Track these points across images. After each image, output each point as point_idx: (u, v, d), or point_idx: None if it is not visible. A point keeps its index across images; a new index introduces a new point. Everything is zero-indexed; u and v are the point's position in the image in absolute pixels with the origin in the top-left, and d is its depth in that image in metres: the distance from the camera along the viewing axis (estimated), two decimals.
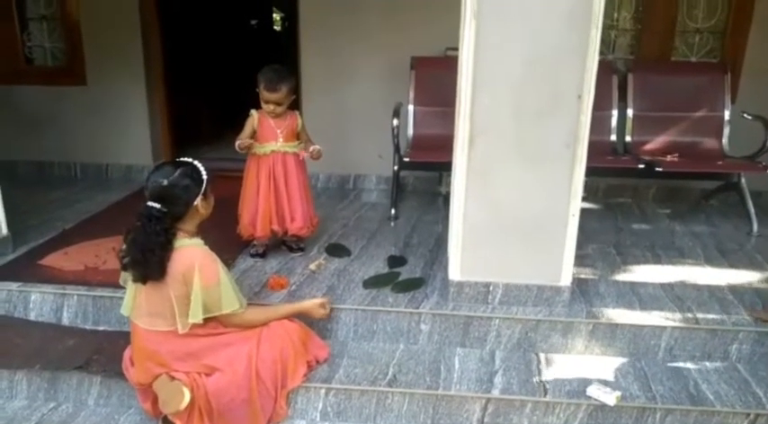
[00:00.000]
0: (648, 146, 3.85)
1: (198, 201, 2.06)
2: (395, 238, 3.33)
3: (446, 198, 4.11)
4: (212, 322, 2.11)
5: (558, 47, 2.27)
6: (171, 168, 2.07)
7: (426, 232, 3.44)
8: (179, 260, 2.02)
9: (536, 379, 2.30)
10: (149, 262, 1.98)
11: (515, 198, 2.43)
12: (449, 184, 4.19)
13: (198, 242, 2.10)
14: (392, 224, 3.61)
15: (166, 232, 2.00)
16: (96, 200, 3.89)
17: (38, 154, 4.49)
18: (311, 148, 2.89)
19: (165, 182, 2.02)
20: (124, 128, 4.43)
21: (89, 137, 4.46)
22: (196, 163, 2.13)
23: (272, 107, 2.80)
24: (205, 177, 2.12)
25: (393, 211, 3.68)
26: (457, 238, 2.48)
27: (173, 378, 2.08)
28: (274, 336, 2.20)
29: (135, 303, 2.11)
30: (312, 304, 2.41)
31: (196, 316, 2.02)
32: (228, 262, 2.92)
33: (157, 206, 2.00)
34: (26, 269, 2.82)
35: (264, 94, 2.77)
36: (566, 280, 2.50)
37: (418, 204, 3.99)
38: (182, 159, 2.15)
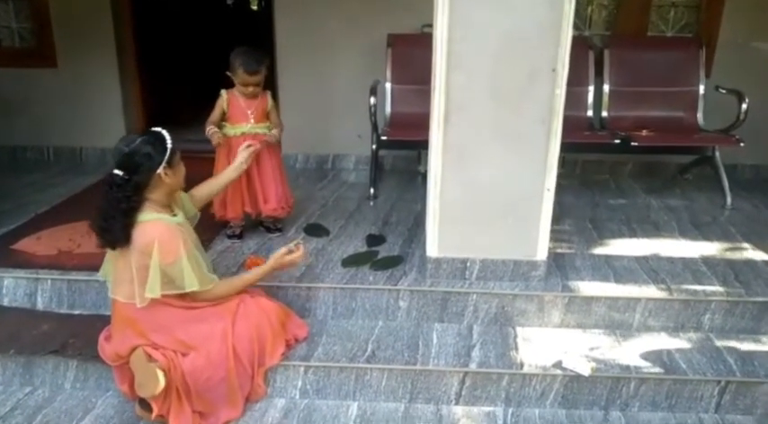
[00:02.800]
0: (624, 122, 3.87)
1: (161, 170, 2.03)
2: (374, 217, 3.33)
3: (425, 177, 4.07)
4: (185, 296, 2.11)
5: (533, 22, 2.26)
6: (135, 136, 2.06)
7: (405, 210, 3.44)
8: (141, 234, 2.01)
9: (513, 352, 2.33)
10: (112, 229, 1.99)
11: (491, 174, 2.43)
12: (427, 163, 4.20)
13: (164, 216, 2.08)
14: (371, 203, 3.60)
15: (128, 199, 1.98)
16: (70, 184, 3.83)
17: (9, 139, 4.38)
18: (269, 135, 2.85)
19: (127, 149, 2.00)
20: (98, 111, 4.34)
21: (62, 121, 4.36)
22: (162, 131, 2.09)
23: (251, 89, 2.77)
24: (170, 146, 2.06)
25: (372, 190, 3.67)
26: (434, 215, 2.48)
27: (150, 357, 2.07)
28: (250, 314, 2.20)
29: (112, 268, 2.11)
30: (275, 259, 2.30)
31: (153, 291, 2.01)
32: (205, 244, 2.89)
33: (120, 173, 1.98)
34: None
35: (243, 77, 2.73)
36: (541, 255, 2.52)
37: (397, 183, 3.98)
38: (151, 129, 2.12)
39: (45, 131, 4.39)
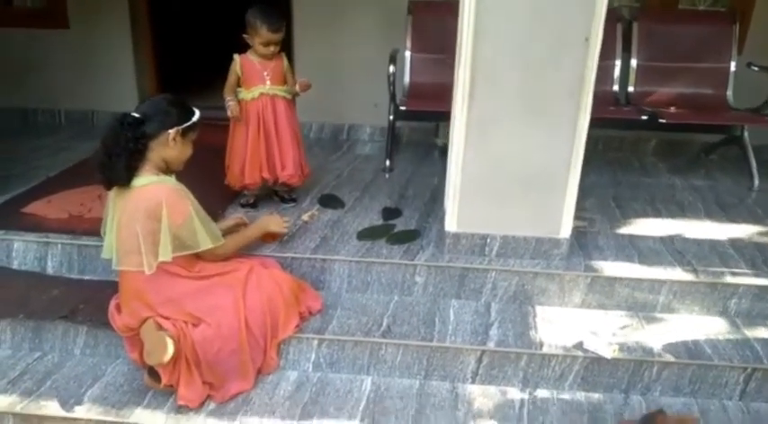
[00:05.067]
0: (651, 97, 3.74)
1: (172, 132, 2.00)
2: (389, 190, 3.25)
3: (442, 150, 4.00)
4: (193, 262, 2.07)
5: None
6: (169, 95, 2.12)
7: (422, 184, 3.35)
8: (146, 198, 1.96)
9: (532, 332, 2.27)
10: (115, 167, 1.95)
11: (516, 149, 2.34)
12: (446, 135, 4.08)
13: (165, 178, 2.04)
14: (387, 175, 3.52)
15: (136, 141, 1.95)
16: (82, 149, 3.75)
17: (20, 101, 4.31)
18: (299, 81, 2.77)
19: (151, 100, 2.09)
20: (110, 74, 4.25)
21: (74, 84, 4.28)
22: (195, 109, 2.11)
23: (272, 48, 2.68)
24: (194, 119, 2.08)
25: (388, 162, 3.58)
26: (454, 189, 2.40)
27: (160, 327, 2.02)
28: (262, 285, 2.14)
29: (114, 243, 2.05)
30: (266, 218, 2.44)
31: (165, 254, 1.97)
32: (218, 213, 2.83)
33: (136, 115, 1.97)
34: (8, 217, 2.72)
35: (267, 36, 2.64)
36: (565, 233, 2.44)
37: (414, 156, 3.89)
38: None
39: (57, 94, 4.31)
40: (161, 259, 1.98)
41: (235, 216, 2.58)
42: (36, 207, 2.81)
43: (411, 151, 3.99)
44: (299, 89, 2.77)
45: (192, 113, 2.09)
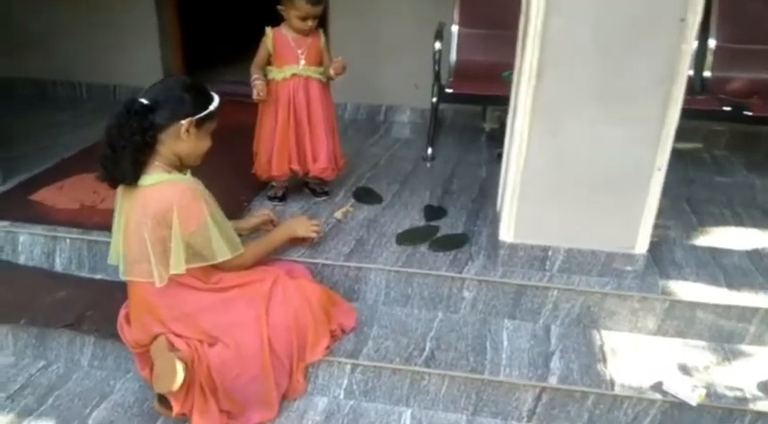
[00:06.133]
0: (730, 85, 3.30)
1: (185, 123, 1.70)
2: (432, 183, 2.92)
3: (490, 136, 3.65)
4: (210, 272, 1.80)
5: None
6: (186, 78, 1.88)
7: (468, 176, 3.02)
8: (154, 200, 1.69)
9: (600, 365, 1.95)
10: (119, 162, 1.67)
11: (589, 145, 1.98)
12: (493, 120, 3.72)
13: (178, 176, 1.75)
14: (428, 165, 3.19)
15: (144, 132, 1.67)
16: (102, 126, 3.43)
17: (38, 72, 4.06)
18: (333, 62, 2.43)
19: (164, 82, 1.82)
20: (133, 46, 3.96)
21: (95, 55, 4.00)
22: (214, 94, 1.81)
23: (309, 23, 2.35)
24: (212, 108, 1.77)
25: (429, 150, 3.25)
26: (512, 192, 2.06)
27: (172, 346, 1.77)
28: (288, 299, 1.86)
29: (121, 249, 1.79)
30: (292, 222, 2.17)
31: (178, 266, 1.71)
32: (244, 205, 2.56)
33: (145, 101, 1.68)
34: (15, 205, 2.49)
35: (305, 8, 2.31)
36: (641, 247, 2.09)
37: (458, 142, 3.54)
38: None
39: (77, 65, 4.05)
40: (173, 271, 1.71)
41: (262, 212, 2.30)
42: (46, 195, 2.56)
43: (455, 136, 3.64)
44: (333, 72, 2.41)
45: (210, 100, 1.78)
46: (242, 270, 1.87)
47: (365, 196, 2.71)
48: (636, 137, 1.95)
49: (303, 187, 2.70)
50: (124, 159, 1.67)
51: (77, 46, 3.98)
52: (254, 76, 2.41)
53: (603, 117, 1.95)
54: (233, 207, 2.49)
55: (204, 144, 1.80)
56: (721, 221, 2.64)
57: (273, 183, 2.62)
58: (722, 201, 2.84)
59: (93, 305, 2.09)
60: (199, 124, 1.74)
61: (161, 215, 1.68)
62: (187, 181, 1.76)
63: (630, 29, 1.86)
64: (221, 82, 4.40)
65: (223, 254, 1.75)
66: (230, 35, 5.18)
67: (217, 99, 1.80)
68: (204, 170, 1.86)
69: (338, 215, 2.50)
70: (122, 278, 1.80)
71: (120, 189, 1.78)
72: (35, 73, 4.06)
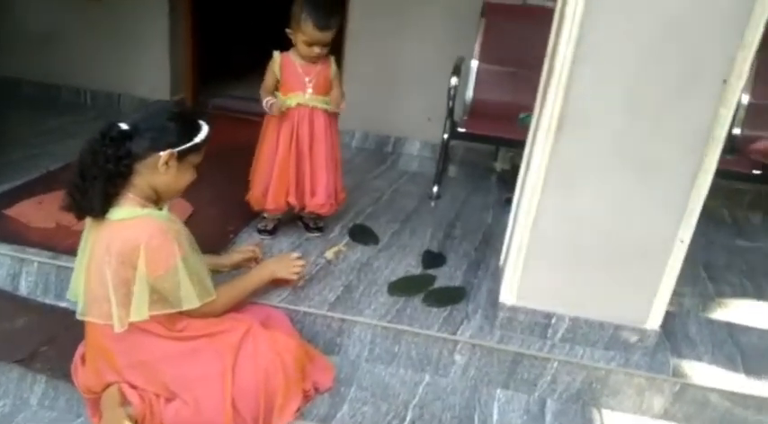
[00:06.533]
0: (759, 143, 3.11)
1: (164, 154, 1.54)
2: (434, 224, 2.74)
3: (501, 177, 3.49)
4: (177, 318, 1.63)
5: (704, 7, 1.59)
6: (171, 103, 1.74)
7: (473, 220, 2.84)
8: (120, 236, 1.52)
9: None
10: (88, 191, 1.52)
11: (605, 211, 1.81)
12: (506, 161, 3.56)
13: (151, 213, 1.58)
14: (433, 204, 3.02)
15: (118, 161, 1.51)
16: None
17: (44, 76, 3.97)
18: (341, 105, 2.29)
19: (150, 108, 1.67)
20: (141, 54, 3.86)
21: (102, 61, 3.90)
22: (203, 123, 1.66)
23: (317, 50, 2.20)
24: (198, 140, 1.61)
25: (436, 188, 3.08)
26: (518, 252, 1.89)
27: (124, 398, 1.59)
28: (259, 353, 1.67)
29: (84, 284, 1.62)
30: (272, 262, 1.99)
31: (139, 312, 1.54)
32: (229, 237, 2.40)
33: (123, 126, 1.52)
34: None
35: (312, 34, 2.15)
36: (653, 323, 1.90)
37: (466, 180, 3.37)
38: (195, 113, 1.71)
39: (83, 71, 3.95)
40: (134, 318, 1.54)
41: (246, 247, 2.14)
42: (22, 210, 2.42)
43: (464, 174, 3.48)
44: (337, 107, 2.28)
45: (197, 131, 1.62)
46: (212, 318, 1.70)
47: (361, 235, 2.54)
48: (659, 206, 1.78)
49: (297, 220, 2.54)
50: (93, 189, 1.52)
51: (84, 50, 3.89)
52: (268, 100, 2.26)
53: (626, 179, 1.77)
54: (217, 239, 2.35)
55: (185, 178, 1.65)
56: (740, 292, 2.44)
57: (265, 215, 2.46)
58: (743, 270, 2.64)
59: (51, 339, 1.92)
60: (181, 156, 1.59)
61: (126, 254, 1.51)
62: (160, 218, 1.59)
63: (667, 87, 1.68)
64: (229, 97, 4.29)
65: (190, 302, 1.59)
66: (248, 48, 5.07)
67: (205, 130, 1.64)
68: (193, 193, 1.71)
69: (329, 254, 2.33)
70: (79, 317, 1.63)
71: (88, 219, 1.63)
72: (41, 76, 3.97)
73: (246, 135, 2.45)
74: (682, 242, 1.79)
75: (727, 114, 1.65)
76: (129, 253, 1.51)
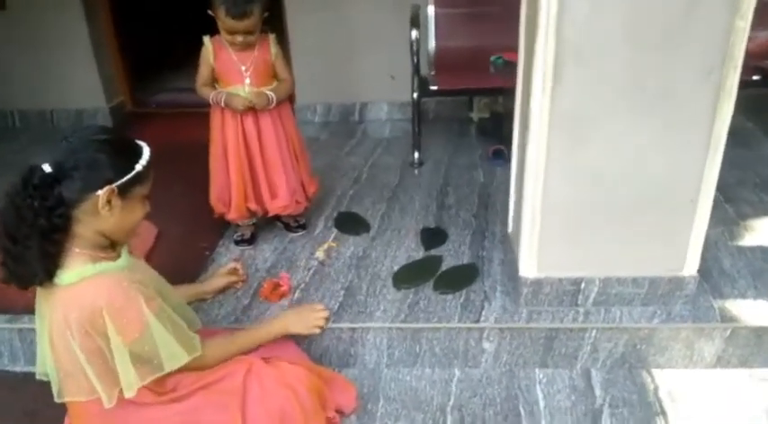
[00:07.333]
0: (753, 45, 2.91)
1: (102, 193, 1.26)
2: (424, 196, 2.52)
3: (480, 128, 3.26)
4: (162, 380, 1.39)
5: None
6: (101, 129, 1.35)
7: (463, 182, 2.63)
8: (74, 305, 1.27)
9: (659, 420, 1.59)
10: (23, 256, 1.25)
11: (621, 157, 1.59)
12: (482, 109, 3.32)
13: (104, 267, 1.31)
14: (416, 172, 2.79)
15: (50, 212, 1.23)
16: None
17: None
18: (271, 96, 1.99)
19: (71, 139, 1.29)
20: (64, 63, 3.47)
21: (21, 76, 3.51)
22: (144, 146, 1.36)
23: (240, 38, 1.90)
24: (138, 167, 1.32)
25: (416, 155, 2.84)
26: (532, 222, 1.67)
27: None
28: (268, 394, 1.45)
29: (48, 360, 1.38)
30: (289, 315, 1.72)
31: (130, 385, 1.31)
32: (205, 255, 2.15)
33: (48, 169, 1.22)
34: None
35: (228, 22, 1.85)
36: (690, 268, 1.73)
37: (445, 138, 3.14)
38: (133, 138, 1.38)
39: (6, 91, 3.55)
40: (128, 394, 1.32)
41: (227, 267, 1.92)
42: None
43: (441, 131, 3.24)
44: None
45: (136, 156, 1.33)
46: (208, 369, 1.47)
47: (349, 224, 2.31)
48: (679, 140, 1.56)
49: (275, 221, 2.29)
50: (29, 252, 1.25)
51: (3, 68, 3.48)
52: (210, 96, 1.98)
53: (638, 119, 1.55)
54: (192, 260, 2.11)
55: (135, 214, 1.37)
56: (763, 210, 2.29)
57: (239, 223, 2.20)
58: (756, 183, 2.49)
59: (32, 415, 1.68)
60: (123, 191, 1.31)
61: (88, 323, 1.26)
62: (116, 271, 1.33)
63: (673, 9, 1.44)
64: (173, 90, 3.93)
65: (176, 361, 1.35)
66: (185, 34, 4.65)
67: (146, 153, 1.35)
68: (154, 210, 1.43)
69: (320, 254, 2.11)
70: (57, 400, 1.38)
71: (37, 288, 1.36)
72: None
73: (198, 130, 2.16)
74: (710, 178, 1.59)
75: (743, 27, 1.43)
76: (92, 321, 1.26)
